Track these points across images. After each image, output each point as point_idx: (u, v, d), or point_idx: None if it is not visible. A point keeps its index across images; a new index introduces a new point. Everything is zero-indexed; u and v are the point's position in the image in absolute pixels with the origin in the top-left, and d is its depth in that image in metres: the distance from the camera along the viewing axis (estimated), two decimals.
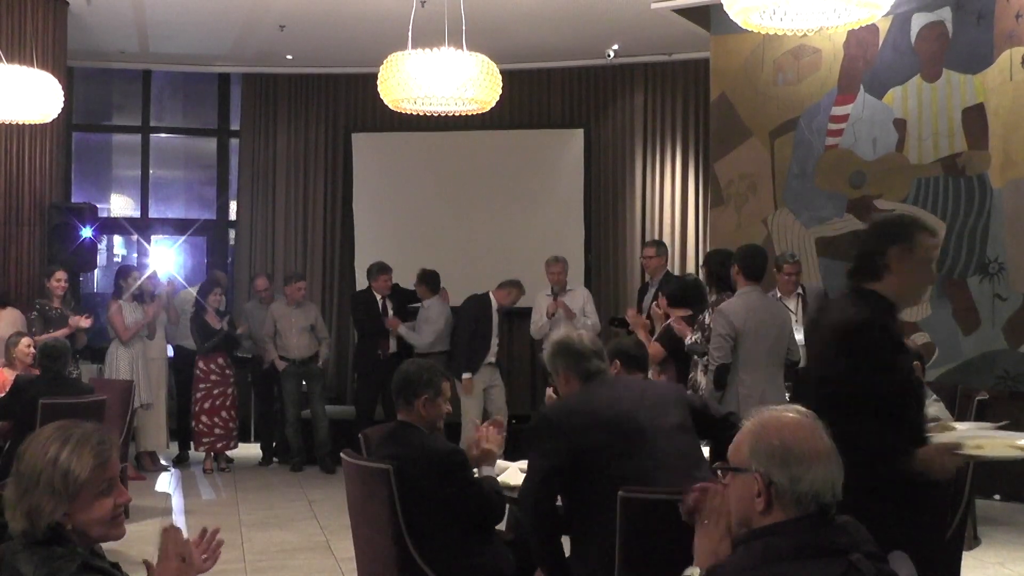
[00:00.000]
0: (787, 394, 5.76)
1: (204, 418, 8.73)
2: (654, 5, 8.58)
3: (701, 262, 9.10)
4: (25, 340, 7.00)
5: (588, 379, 3.70)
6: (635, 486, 3.28)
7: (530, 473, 3.58)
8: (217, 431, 8.77)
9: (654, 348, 6.32)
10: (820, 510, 2.16)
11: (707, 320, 5.92)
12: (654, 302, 7.12)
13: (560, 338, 3.84)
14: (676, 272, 9.96)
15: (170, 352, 9.15)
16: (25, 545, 2.31)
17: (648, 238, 10.27)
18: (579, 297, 8.81)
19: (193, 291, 9.27)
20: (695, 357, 6.06)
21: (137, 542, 6.17)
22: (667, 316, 6.61)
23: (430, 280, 9.07)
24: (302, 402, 9.06)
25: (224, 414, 8.78)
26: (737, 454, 2.25)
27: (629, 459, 3.40)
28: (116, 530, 2.41)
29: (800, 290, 7.42)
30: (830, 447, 2.21)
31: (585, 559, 3.47)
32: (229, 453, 9.01)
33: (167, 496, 7.94)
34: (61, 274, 7.90)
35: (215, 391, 8.75)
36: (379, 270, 9.09)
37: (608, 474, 3.38)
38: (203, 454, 8.92)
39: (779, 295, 7.22)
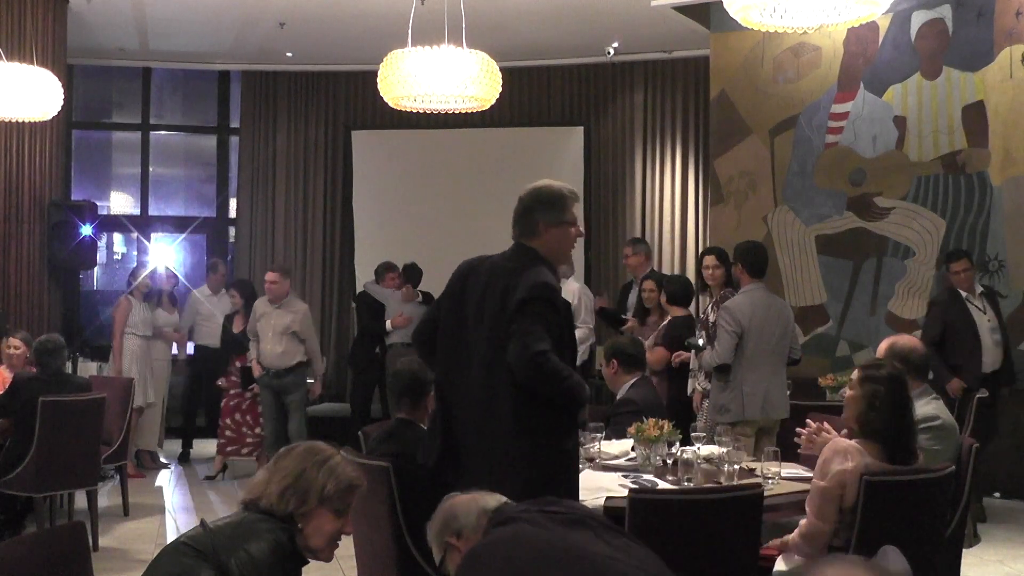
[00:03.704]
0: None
1: (228, 420, 8.47)
2: (654, 3, 8.57)
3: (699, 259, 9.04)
4: (11, 341, 6.78)
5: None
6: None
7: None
8: (228, 433, 8.44)
9: (658, 353, 6.32)
10: None
11: (708, 317, 5.93)
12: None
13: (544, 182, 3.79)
14: (675, 271, 9.98)
15: (174, 351, 9.09)
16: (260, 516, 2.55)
17: (648, 236, 10.26)
18: (571, 293, 7.70)
19: (201, 294, 9.24)
20: (693, 369, 6.06)
21: (137, 540, 6.22)
22: (662, 312, 6.63)
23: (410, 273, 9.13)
24: (281, 417, 8.08)
25: (239, 416, 8.46)
26: None
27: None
28: (326, 553, 2.61)
29: (981, 288, 7.01)
30: None
31: None
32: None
33: (167, 494, 7.94)
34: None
35: (231, 391, 8.54)
36: (386, 269, 9.11)
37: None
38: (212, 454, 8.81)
39: (964, 293, 6.89)
